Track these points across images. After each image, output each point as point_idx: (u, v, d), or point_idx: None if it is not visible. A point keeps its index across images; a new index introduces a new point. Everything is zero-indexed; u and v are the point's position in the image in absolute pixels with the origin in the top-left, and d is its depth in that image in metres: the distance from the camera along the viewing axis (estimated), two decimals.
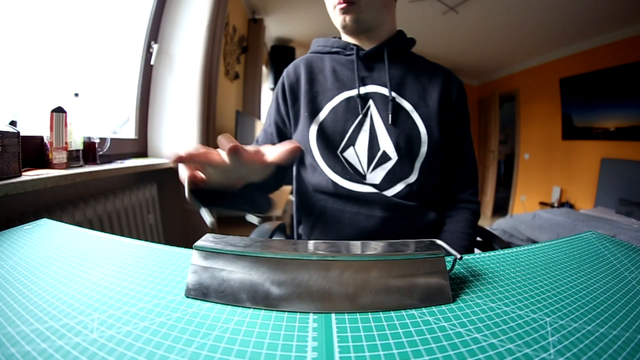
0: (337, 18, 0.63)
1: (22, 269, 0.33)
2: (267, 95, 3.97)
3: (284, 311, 0.27)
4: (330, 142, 0.63)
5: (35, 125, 0.92)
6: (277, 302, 0.28)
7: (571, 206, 3.33)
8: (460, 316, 0.27)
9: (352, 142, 0.62)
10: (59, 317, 0.25)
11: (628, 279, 0.34)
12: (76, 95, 0.98)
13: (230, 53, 2.52)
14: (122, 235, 0.66)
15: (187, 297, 0.29)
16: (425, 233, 0.65)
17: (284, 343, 0.23)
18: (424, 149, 0.62)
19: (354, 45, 0.66)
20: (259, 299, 0.28)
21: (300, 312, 0.27)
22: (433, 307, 0.28)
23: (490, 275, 0.35)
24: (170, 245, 0.41)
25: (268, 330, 0.24)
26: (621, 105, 2.89)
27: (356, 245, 0.32)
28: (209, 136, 1.60)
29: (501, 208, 4.47)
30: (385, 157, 0.62)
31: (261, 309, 0.27)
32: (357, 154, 0.62)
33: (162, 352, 0.21)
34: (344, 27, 0.64)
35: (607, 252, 0.44)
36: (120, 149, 1.35)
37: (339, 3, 0.60)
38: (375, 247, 0.31)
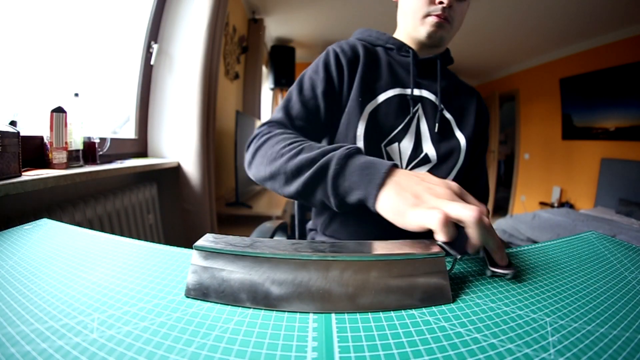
0: (424, 28, 0.63)
1: (22, 269, 0.33)
2: (267, 95, 3.97)
3: (284, 311, 0.27)
4: (378, 133, 0.63)
5: (35, 125, 0.92)
6: (277, 302, 0.28)
7: (571, 206, 3.33)
8: (460, 316, 0.27)
9: (398, 138, 0.63)
10: (59, 317, 0.25)
11: (628, 279, 0.34)
12: (76, 95, 0.98)
13: (230, 53, 2.52)
14: (122, 235, 0.66)
15: (187, 297, 0.29)
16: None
17: (284, 343, 0.23)
18: (459, 163, 0.64)
19: (411, 48, 0.67)
20: (259, 299, 0.28)
21: (300, 312, 0.27)
22: (433, 307, 0.28)
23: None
24: (170, 245, 0.41)
25: (268, 330, 0.24)
26: (621, 105, 2.88)
27: (356, 245, 0.32)
28: (209, 136, 1.60)
29: (501, 208, 4.47)
30: (425, 159, 0.64)
31: (261, 309, 0.27)
32: (400, 150, 0.63)
33: (162, 352, 0.21)
34: (429, 38, 0.64)
35: (607, 252, 0.44)
36: (120, 149, 1.35)
37: (438, 17, 0.61)
38: (375, 247, 0.31)
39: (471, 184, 0.71)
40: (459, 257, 0.32)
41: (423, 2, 0.62)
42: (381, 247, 0.31)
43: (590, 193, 3.18)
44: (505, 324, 0.25)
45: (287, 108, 0.62)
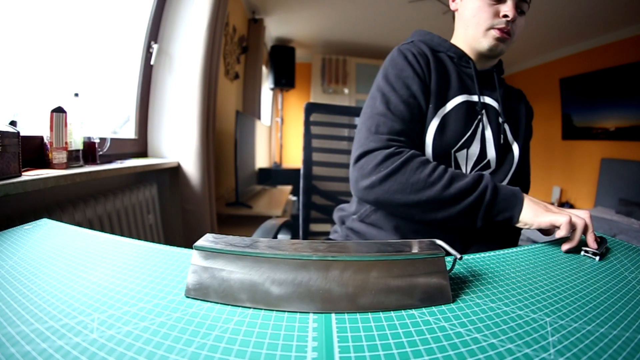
0: (488, 40, 0.63)
1: (22, 269, 0.33)
2: (267, 95, 3.97)
3: (284, 311, 0.27)
4: (448, 139, 0.63)
5: (35, 125, 0.92)
6: (277, 302, 0.28)
7: (571, 206, 3.33)
8: (460, 316, 0.27)
9: (467, 145, 0.64)
10: (59, 317, 0.25)
11: (628, 279, 0.34)
12: (76, 95, 0.98)
13: (230, 53, 2.52)
14: (122, 235, 0.66)
15: (187, 297, 0.29)
16: (498, 240, 0.65)
17: (284, 343, 0.23)
18: (512, 170, 0.67)
19: (470, 59, 0.68)
20: (259, 299, 0.28)
21: (300, 312, 0.27)
22: (433, 307, 0.28)
23: (490, 275, 0.35)
24: (170, 245, 0.41)
25: (268, 330, 0.24)
26: (621, 105, 2.88)
27: (356, 245, 0.32)
28: (208, 136, 1.60)
29: None
30: (487, 165, 0.66)
31: (261, 309, 0.27)
32: (467, 156, 0.65)
33: (162, 352, 0.21)
34: (490, 50, 0.64)
35: (607, 252, 0.44)
36: (120, 149, 1.35)
37: (501, 32, 0.62)
38: (375, 247, 0.31)
39: (519, 177, 0.72)
40: (459, 257, 0.32)
41: (488, 14, 0.62)
42: (381, 247, 0.31)
43: (590, 193, 3.18)
44: (505, 324, 0.25)
45: (391, 113, 0.60)
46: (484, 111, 0.66)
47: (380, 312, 0.27)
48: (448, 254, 0.32)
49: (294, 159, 4.27)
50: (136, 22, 1.45)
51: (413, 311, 0.27)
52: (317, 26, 3.45)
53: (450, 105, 0.64)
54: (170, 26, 1.54)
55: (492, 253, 0.42)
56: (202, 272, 0.29)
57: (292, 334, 0.24)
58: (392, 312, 0.27)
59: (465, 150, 0.64)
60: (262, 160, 3.28)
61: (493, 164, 0.66)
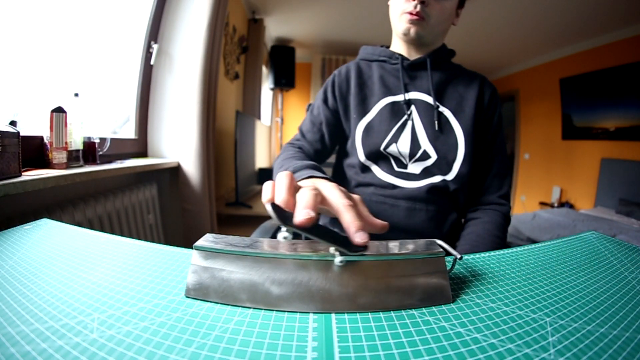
0: (402, 25, 0.67)
1: (22, 269, 0.33)
2: (267, 95, 3.97)
3: (284, 311, 0.27)
4: (376, 139, 0.68)
5: (35, 125, 0.92)
6: (277, 302, 0.28)
7: (571, 206, 3.33)
8: (460, 316, 0.27)
9: (395, 139, 0.68)
10: (59, 317, 0.25)
11: (628, 279, 0.34)
12: (76, 95, 0.98)
13: (230, 53, 2.52)
14: (122, 235, 0.66)
15: (187, 297, 0.29)
16: (445, 233, 0.67)
17: (284, 343, 0.23)
18: (461, 152, 0.67)
19: (399, 55, 0.71)
20: (259, 299, 0.28)
21: (300, 312, 0.27)
22: (433, 307, 0.28)
23: (490, 275, 0.35)
24: (170, 245, 0.41)
25: (268, 330, 0.24)
26: (621, 105, 2.88)
27: (356, 245, 0.32)
28: (208, 136, 1.60)
29: None
30: (425, 155, 0.67)
31: (261, 309, 0.27)
32: (399, 150, 0.68)
33: (162, 352, 0.21)
34: (405, 35, 0.67)
35: (607, 252, 0.44)
36: (120, 149, 1.35)
37: (411, 14, 0.64)
38: (375, 247, 0.31)
39: (484, 172, 0.72)
40: (459, 257, 0.32)
41: (401, 0, 0.66)
42: (381, 247, 0.31)
43: (590, 193, 3.18)
44: (505, 324, 0.25)
45: (301, 125, 0.78)
46: (413, 106, 0.68)
47: (380, 312, 0.27)
48: (448, 253, 0.32)
49: None
50: (136, 22, 1.45)
51: (413, 311, 0.27)
52: (317, 26, 3.45)
53: (375, 110, 0.70)
54: (170, 26, 1.54)
55: (492, 253, 0.42)
56: (202, 272, 0.29)
57: (292, 334, 0.24)
58: (392, 312, 0.27)
59: (394, 145, 0.68)
60: (262, 160, 3.29)
61: (432, 154, 0.67)
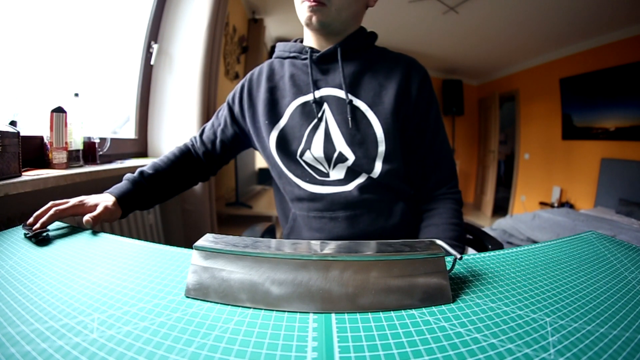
0: (303, 14, 0.60)
1: (22, 269, 0.33)
2: None
3: (284, 311, 0.27)
4: (290, 147, 0.64)
5: (35, 125, 0.92)
6: (277, 302, 0.28)
7: (571, 206, 3.33)
8: (460, 316, 0.27)
9: (308, 145, 0.62)
10: (59, 317, 0.25)
11: (628, 279, 0.34)
12: (76, 95, 0.98)
13: (230, 53, 2.52)
14: (122, 235, 0.66)
15: (187, 297, 0.29)
16: (396, 228, 0.63)
17: (284, 343, 0.23)
18: (382, 147, 0.61)
19: (309, 48, 0.65)
20: (259, 299, 0.28)
21: (300, 312, 0.27)
22: (433, 307, 0.28)
23: (490, 275, 0.35)
24: (170, 245, 0.41)
25: (268, 330, 0.24)
26: (621, 105, 2.88)
27: (356, 245, 0.32)
28: None
29: (501, 208, 4.47)
30: (342, 157, 0.62)
31: (261, 309, 0.27)
32: (314, 156, 0.62)
33: (162, 352, 0.21)
34: (308, 25, 0.61)
35: (607, 252, 0.44)
36: (120, 149, 1.35)
37: (309, 0, 0.58)
38: (375, 247, 0.31)
39: (417, 164, 0.66)
40: (459, 257, 0.32)
41: None
42: (381, 247, 0.31)
43: (590, 193, 3.18)
44: (505, 324, 0.25)
45: (210, 125, 0.77)
46: (325, 104, 0.62)
47: (380, 312, 0.27)
48: (448, 253, 0.32)
49: None
50: (136, 22, 1.45)
51: (413, 311, 0.27)
52: None
53: (287, 115, 0.64)
54: (170, 26, 1.54)
55: (492, 253, 0.42)
56: (202, 272, 0.29)
57: (292, 334, 0.24)
58: (392, 312, 0.27)
59: (308, 151, 0.62)
60: (262, 160, 3.28)
61: (350, 155, 0.61)
